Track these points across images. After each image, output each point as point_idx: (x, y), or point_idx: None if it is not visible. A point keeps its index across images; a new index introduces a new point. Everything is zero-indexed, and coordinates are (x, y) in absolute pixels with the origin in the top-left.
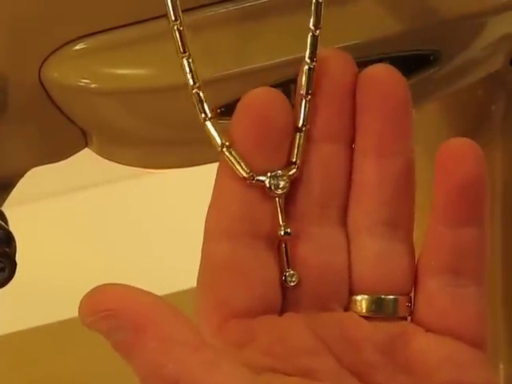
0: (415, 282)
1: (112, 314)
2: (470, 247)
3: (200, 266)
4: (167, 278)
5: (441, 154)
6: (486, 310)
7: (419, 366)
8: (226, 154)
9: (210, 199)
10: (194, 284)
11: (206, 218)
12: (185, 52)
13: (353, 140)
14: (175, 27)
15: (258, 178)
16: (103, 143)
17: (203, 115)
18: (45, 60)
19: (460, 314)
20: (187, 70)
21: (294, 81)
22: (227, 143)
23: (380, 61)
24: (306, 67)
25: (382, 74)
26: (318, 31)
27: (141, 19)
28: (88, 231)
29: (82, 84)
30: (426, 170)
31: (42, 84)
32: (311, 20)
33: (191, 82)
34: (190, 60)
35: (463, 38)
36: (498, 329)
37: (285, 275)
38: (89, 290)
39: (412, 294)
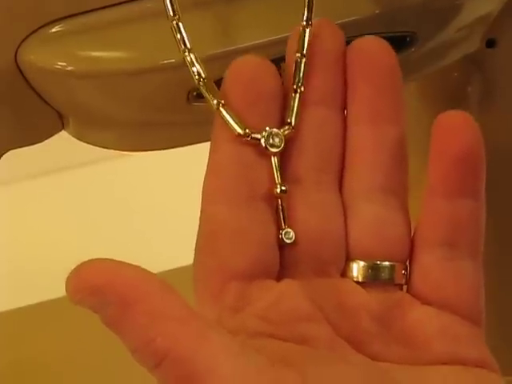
0: (411, 254)
1: (98, 289)
2: (466, 220)
3: (198, 230)
4: (151, 257)
5: (437, 126)
6: (482, 284)
7: (415, 338)
8: (223, 111)
9: (189, 179)
10: (178, 264)
11: (204, 181)
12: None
13: (345, 106)
14: None
15: (253, 135)
16: (79, 126)
17: (197, 76)
18: (21, 43)
19: (456, 287)
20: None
21: (281, 59)
22: (223, 102)
23: None
24: (302, 31)
25: (372, 44)
26: None
27: (117, 2)
28: (65, 213)
29: (59, 67)
30: None
31: (18, 67)
32: None
33: (182, 47)
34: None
35: (439, 20)
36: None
37: (281, 233)
38: (74, 266)
39: (408, 263)
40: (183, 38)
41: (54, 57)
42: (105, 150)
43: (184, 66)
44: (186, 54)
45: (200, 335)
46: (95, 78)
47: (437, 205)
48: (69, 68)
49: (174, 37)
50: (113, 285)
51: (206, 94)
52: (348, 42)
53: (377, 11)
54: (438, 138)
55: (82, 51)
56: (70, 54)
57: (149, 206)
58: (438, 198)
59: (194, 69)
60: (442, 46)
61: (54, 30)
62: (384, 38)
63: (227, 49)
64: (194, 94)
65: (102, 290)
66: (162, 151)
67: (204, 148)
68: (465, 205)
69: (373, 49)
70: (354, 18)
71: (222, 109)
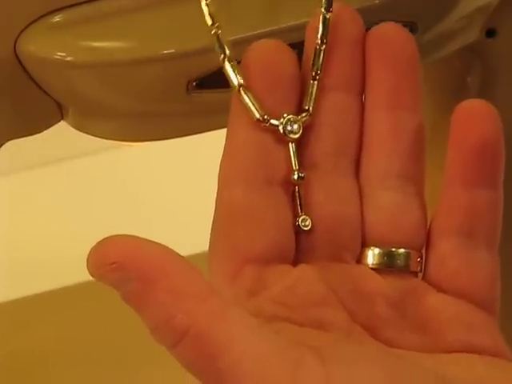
0: (428, 242)
1: (120, 265)
2: (484, 209)
3: (214, 213)
4: None
5: (457, 115)
6: (498, 275)
7: (430, 325)
8: (243, 94)
9: (190, 169)
10: (180, 253)
11: (220, 165)
12: None
13: (363, 92)
14: None
15: (271, 121)
16: (79, 116)
17: (222, 55)
18: (20, 33)
19: (471, 276)
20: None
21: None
22: (244, 83)
23: None
24: (322, 17)
25: (392, 30)
26: None
27: None
28: (64, 204)
29: (58, 57)
30: None
31: (17, 57)
32: None
33: (209, 22)
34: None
35: (439, 10)
36: None
37: (298, 220)
38: (96, 242)
39: (423, 251)
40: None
41: (53, 47)
42: (104, 140)
43: (184, 56)
44: (213, 31)
45: (220, 313)
46: (94, 69)
47: (455, 194)
48: (68, 58)
49: (204, 12)
50: (135, 261)
51: (229, 73)
52: None
53: (377, 1)
54: (457, 127)
55: (81, 41)
56: (70, 44)
57: (149, 195)
58: (456, 187)
59: (218, 45)
60: (441, 35)
61: (53, 20)
62: None
63: (244, 35)
64: (194, 84)
65: (124, 266)
66: (162, 141)
67: (205, 138)
68: (483, 195)
69: (392, 35)
70: (355, 7)
71: (242, 91)
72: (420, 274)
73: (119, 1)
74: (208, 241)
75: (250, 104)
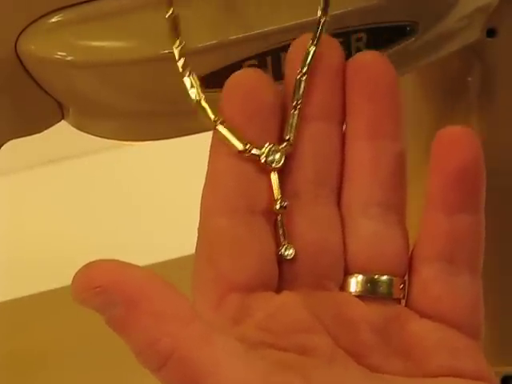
0: (410, 268)
1: (104, 290)
2: (465, 235)
3: (198, 241)
4: (150, 248)
5: (437, 140)
6: (481, 299)
7: (414, 350)
8: (221, 130)
9: (190, 169)
10: (177, 254)
11: (203, 194)
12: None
13: (344, 121)
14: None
15: (253, 151)
16: (79, 116)
17: (195, 96)
18: (21, 33)
19: (454, 302)
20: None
21: (269, 53)
22: (221, 119)
23: (357, 32)
24: (309, 48)
25: (372, 59)
26: (324, 18)
27: None
28: (64, 203)
29: (59, 57)
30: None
31: (18, 57)
32: (319, 7)
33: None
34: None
35: (439, 10)
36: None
37: (281, 249)
38: (81, 267)
39: (406, 278)
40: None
41: (53, 47)
42: (105, 139)
43: (183, 56)
44: (186, 76)
45: (204, 337)
46: (95, 68)
47: (436, 220)
48: (69, 58)
49: (175, 58)
50: (118, 285)
51: (203, 112)
52: (347, 34)
53: (377, 1)
54: (438, 153)
55: (81, 41)
56: (70, 43)
57: (149, 196)
58: (438, 212)
59: (193, 90)
60: (442, 35)
61: (53, 19)
62: (384, 27)
63: (244, 35)
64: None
65: (108, 290)
66: (163, 141)
67: (205, 137)
68: (464, 220)
69: (372, 63)
70: (354, 7)
71: (220, 126)
72: (403, 301)
73: (119, 1)
74: None
75: (229, 137)
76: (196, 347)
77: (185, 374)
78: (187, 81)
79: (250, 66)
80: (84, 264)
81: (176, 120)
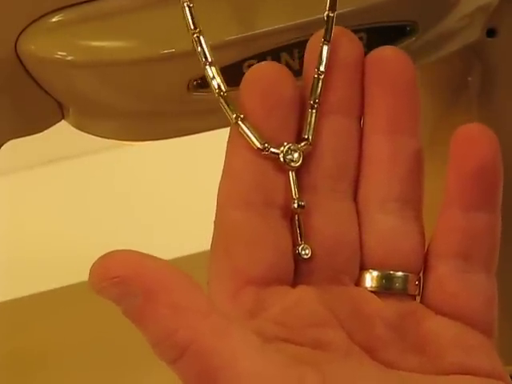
0: (426, 265)
1: (122, 280)
2: (482, 233)
3: (214, 234)
4: (150, 248)
5: (456, 138)
6: (495, 297)
7: (428, 347)
8: (242, 126)
9: (190, 169)
10: (178, 254)
11: (219, 187)
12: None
13: (362, 116)
14: None
15: (272, 150)
16: (79, 116)
17: (217, 90)
18: (21, 33)
19: (469, 299)
20: (198, 47)
21: (269, 53)
22: (241, 116)
23: (357, 32)
24: (322, 46)
25: (391, 54)
26: (333, 13)
27: None
28: (64, 203)
29: (59, 56)
30: None
31: (18, 57)
32: (327, 3)
33: (204, 59)
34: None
35: (439, 10)
36: None
37: (298, 248)
38: (99, 256)
39: (421, 274)
40: (204, 51)
41: (54, 47)
42: (105, 139)
43: (185, 55)
44: (207, 67)
45: (222, 329)
46: (95, 68)
47: (453, 217)
48: (69, 58)
49: (195, 50)
50: (137, 276)
51: (225, 108)
52: None
53: (378, 1)
54: (456, 151)
55: (82, 41)
56: (70, 43)
57: (149, 195)
58: (455, 210)
59: (215, 82)
60: (442, 35)
61: (54, 19)
62: (384, 27)
63: (243, 35)
64: (195, 83)
65: (127, 281)
66: (163, 141)
67: (205, 138)
68: (481, 218)
69: (391, 59)
70: (355, 7)
71: (241, 123)
72: (418, 297)
73: (119, 1)
74: (209, 240)
75: (249, 134)
76: (214, 339)
77: (202, 365)
78: (209, 71)
79: (250, 66)
80: (99, 257)
81: (176, 120)
